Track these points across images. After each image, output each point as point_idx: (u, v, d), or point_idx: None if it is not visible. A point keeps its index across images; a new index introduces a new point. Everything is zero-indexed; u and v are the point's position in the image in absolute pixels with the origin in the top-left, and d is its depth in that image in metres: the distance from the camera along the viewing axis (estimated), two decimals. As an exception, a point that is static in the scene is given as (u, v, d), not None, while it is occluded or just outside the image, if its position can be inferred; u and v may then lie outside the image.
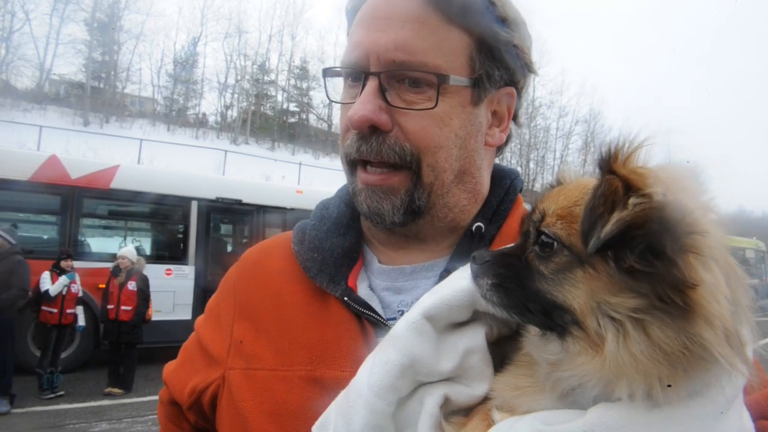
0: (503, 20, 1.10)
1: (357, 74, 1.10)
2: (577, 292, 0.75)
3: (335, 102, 1.18)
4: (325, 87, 1.20)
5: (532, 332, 0.85)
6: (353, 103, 1.07)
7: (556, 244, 0.79)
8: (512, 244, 0.92)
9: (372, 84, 1.06)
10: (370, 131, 1.07)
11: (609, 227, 0.68)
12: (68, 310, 10.32)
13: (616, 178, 0.71)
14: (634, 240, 0.69)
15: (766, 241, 40.26)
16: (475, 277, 0.88)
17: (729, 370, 0.70)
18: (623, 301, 0.71)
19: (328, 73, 1.19)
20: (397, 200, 1.09)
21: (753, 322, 0.75)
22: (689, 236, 0.68)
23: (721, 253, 0.71)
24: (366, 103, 1.05)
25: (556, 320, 0.78)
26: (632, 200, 0.68)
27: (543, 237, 0.82)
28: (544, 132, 64.58)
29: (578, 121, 65.81)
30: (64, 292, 10.17)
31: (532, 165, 61.40)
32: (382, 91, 1.06)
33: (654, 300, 0.69)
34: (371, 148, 1.07)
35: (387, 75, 1.05)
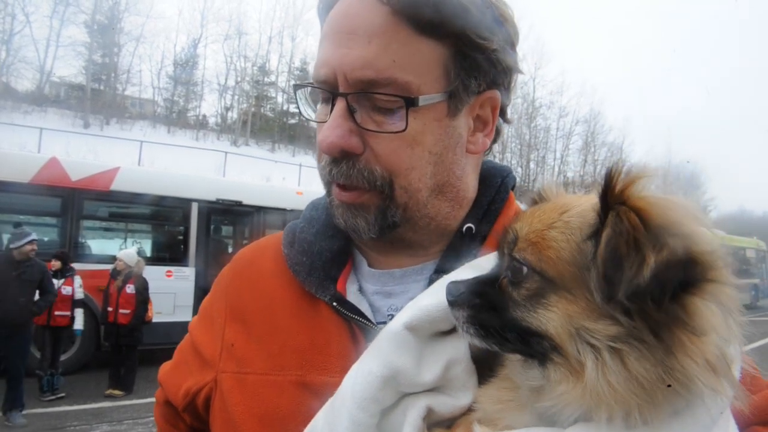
0: (481, 24, 1.04)
1: (326, 93, 1.07)
2: (551, 317, 0.73)
3: (309, 119, 1.15)
4: (297, 102, 1.17)
5: (514, 357, 0.83)
6: (325, 122, 1.05)
7: (525, 269, 0.77)
8: (487, 267, 0.90)
9: (340, 105, 1.02)
10: (341, 155, 1.05)
11: (647, 273, 0.63)
12: (58, 312, 10.17)
13: (631, 212, 0.68)
14: (658, 283, 0.64)
15: (766, 241, 40.22)
16: (452, 309, 0.86)
17: (714, 396, 0.68)
18: (602, 328, 0.69)
19: (299, 88, 1.16)
20: (370, 217, 1.07)
21: (741, 341, 0.74)
22: (706, 281, 0.66)
23: (729, 297, 0.69)
24: (335, 128, 1.02)
25: (535, 347, 0.76)
26: (670, 242, 0.64)
27: (514, 262, 0.79)
28: (544, 132, 64.61)
29: (578, 122, 65.91)
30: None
31: (532, 165, 61.43)
32: (351, 111, 1.02)
33: (638, 333, 0.67)
34: (341, 171, 1.05)
35: (354, 96, 1.01)
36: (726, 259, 0.68)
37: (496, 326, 0.80)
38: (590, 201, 0.77)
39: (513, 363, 0.84)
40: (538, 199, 0.90)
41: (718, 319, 0.67)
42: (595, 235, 0.71)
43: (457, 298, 0.85)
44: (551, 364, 0.74)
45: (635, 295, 0.64)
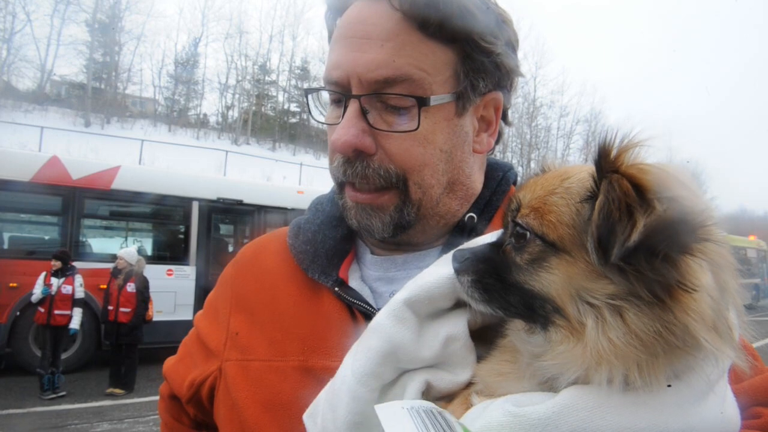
0: (486, 29, 1.08)
1: (338, 96, 1.09)
2: (552, 279, 0.76)
3: (319, 122, 1.18)
4: (308, 106, 1.20)
5: (518, 326, 0.85)
6: (337, 124, 1.08)
7: (528, 234, 0.79)
8: (492, 238, 0.92)
9: (353, 107, 1.05)
10: (354, 155, 1.07)
11: (636, 236, 0.66)
12: (57, 311, 10.18)
13: (624, 178, 0.70)
14: (649, 245, 0.67)
15: (767, 240, 40.19)
16: (457, 274, 0.88)
17: (715, 354, 0.70)
18: (601, 287, 0.72)
19: (311, 92, 1.19)
20: (386, 217, 1.10)
21: (741, 306, 0.76)
22: (696, 241, 0.68)
23: (719, 255, 0.71)
24: (349, 128, 1.05)
25: (538, 311, 0.78)
26: (658, 206, 0.66)
27: (517, 228, 0.82)
28: (545, 132, 64.67)
29: (579, 121, 65.90)
30: (53, 292, 10.13)
31: (533, 164, 61.34)
32: (363, 113, 1.05)
33: (637, 291, 0.69)
34: (356, 172, 1.08)
35: (366, 97, 1.05)
36: (716, 220, 0.71)
37: (500, 290, 0.82)
38: (591, 169, 0.79)
39: (516, 330, 0.85)
40: (540, 173, 0.91)
41: (708, 277, 0.69)
42: (592, 199, 0.74)
43: (462, 264, 0.87)
44: (553, 327, 0.76)
45: (627, 256, 0.67)
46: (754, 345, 0.81)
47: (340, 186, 1.15)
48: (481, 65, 1.09)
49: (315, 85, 1.19)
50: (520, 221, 0.81)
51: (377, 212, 1.10)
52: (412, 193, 1.09)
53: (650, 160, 0.73)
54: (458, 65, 1.07)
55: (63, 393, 10.31)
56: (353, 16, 1.08)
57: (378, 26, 1.04)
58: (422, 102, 1.03)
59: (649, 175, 0.69)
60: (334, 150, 1.09)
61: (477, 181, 1.21)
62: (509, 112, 1.24)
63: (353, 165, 1.08)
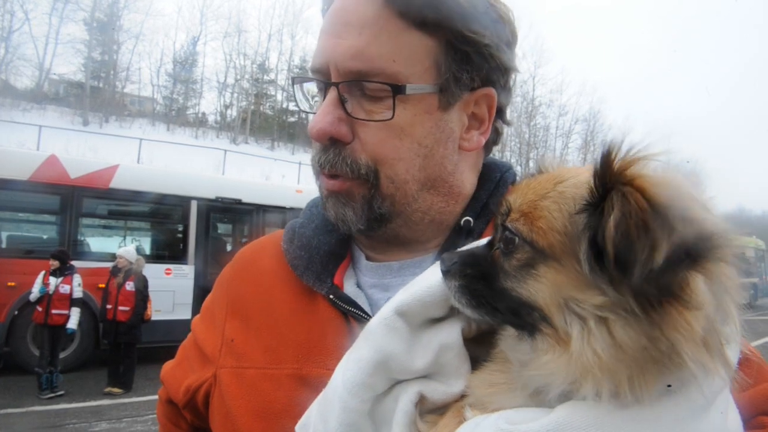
0: (471, 18, 1.04)
1: (319, 83, 1.09)
2: (540, 287, 0.73)
3: (303, 111, 1.17)
4: (294, 95, 1.19)
5: (508, 332, 0.83)
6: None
7: (517, 239, 0.77)
8: (483, 242, 0.90)
9: (332, 94, 1.04)
10: (330, 143, 1.06)
11: (661, 257, 0.62)
12: (54, 311, 10.15)
13: (637, 193, 0.66)
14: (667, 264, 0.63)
15: (765, 240, 40.29)
16: (444, 278, 0.86)
17: (702, 372, 0.67)
18: (589, 297, 0.69)
19: (296, 81, 1.18)
20: (357, 207, 1.08)
21: (739, 323, 0.73)
22: (710, 260, 0.65)
23: (725, 274, 0.68)
24: (325, 115, 1.04)
25: (526, 318, 0.76)
26: (679, 226, 0.63)
27: (506, 233, 0.79)
28: (543, 131, 64.67)
29: (578, 120, 65.93)
30: (51, 292, 10.11)
31: (531, 164, 61.31)
32: (342, 101, 1.04)
33: (626, 303, 0.67)
34: (328, 159, 1.07)
35: (345, 85, 1.04)
36: (731, 239, 0.67)
37: (488, 296, 0.80)
38: (587, 173, 0.75)
39: (506, 338, 0.83)
40: (536, 173, 0.89)
41: (710, 296, 0.67)
42: (590, 208, 0.70)
43: (450, 268, 0.85)
44: (540, 335, 0.74)
45: (649, 278, 0.63)
46: (753, 344, 0.80)
47: (317, 175, 1.14)
48: (465, 56, 1.06)
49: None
50: (509, 226, 0.79)
51: (348, 201, 1.09)
52: (383, 187, 1.07)
53: (655, 170, 0.69)
54: (440, 56, 1.04)
55: (61, 392, 10.28)
56: (338, 4, 1.08)
57: (357, 12, 1.03)
58: (397, 90, 1.01)
59: (661, 189, 0.66)
60: (311, 137, 1.09)
61: (466, 180, 1.17)
62: (507, 111, 1.21)
63: (327, 152, 1.07)
